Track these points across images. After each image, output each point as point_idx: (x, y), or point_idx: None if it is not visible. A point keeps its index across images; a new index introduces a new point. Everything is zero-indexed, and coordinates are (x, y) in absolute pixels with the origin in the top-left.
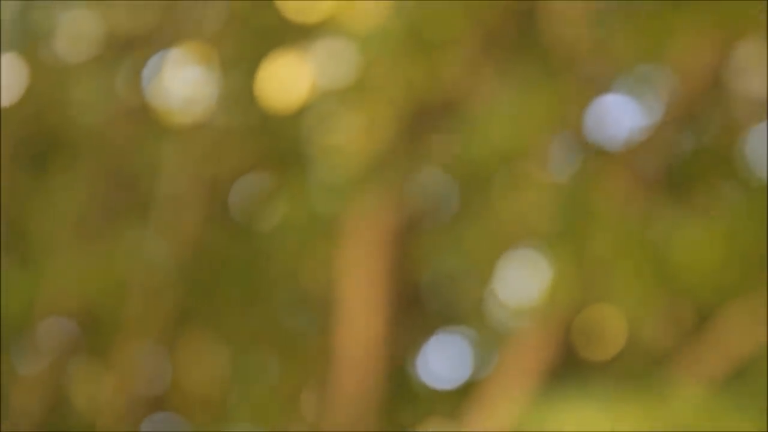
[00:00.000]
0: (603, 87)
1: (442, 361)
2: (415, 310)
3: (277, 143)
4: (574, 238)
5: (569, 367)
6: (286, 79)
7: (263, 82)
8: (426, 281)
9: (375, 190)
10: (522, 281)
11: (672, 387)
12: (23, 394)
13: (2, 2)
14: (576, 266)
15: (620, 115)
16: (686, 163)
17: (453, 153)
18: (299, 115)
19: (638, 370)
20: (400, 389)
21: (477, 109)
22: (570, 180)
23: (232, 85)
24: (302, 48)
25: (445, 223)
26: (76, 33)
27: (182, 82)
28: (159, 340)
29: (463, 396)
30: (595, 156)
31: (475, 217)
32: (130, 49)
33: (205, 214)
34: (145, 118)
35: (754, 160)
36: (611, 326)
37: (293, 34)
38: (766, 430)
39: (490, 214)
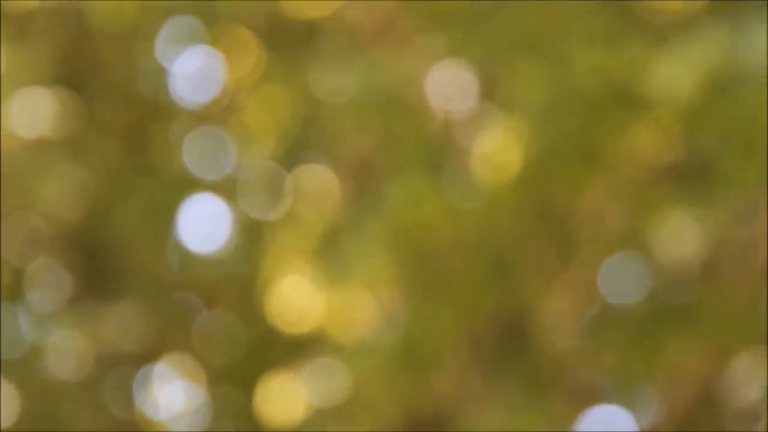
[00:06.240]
0: (594, 398)
1: None
2: None
3: None
4: None
5: None
6: (279, 397)
7: (256, 399)
8: None
9: None
10: None
11: None
12: None
13: None
14: None
15: (612, 427)
16: None
17: None
18: None
19: None
20: None
21: (466, 424)
22: None
23: (222, 400)
24: (293, 364)
25: None
26: (66, 350)
27: (171, 395)
28: None
29: None
30: None
31: None
32: (120, 365)
33: None
34: None
35: None
36: None
37: (284, 348)
38: None
39: None
